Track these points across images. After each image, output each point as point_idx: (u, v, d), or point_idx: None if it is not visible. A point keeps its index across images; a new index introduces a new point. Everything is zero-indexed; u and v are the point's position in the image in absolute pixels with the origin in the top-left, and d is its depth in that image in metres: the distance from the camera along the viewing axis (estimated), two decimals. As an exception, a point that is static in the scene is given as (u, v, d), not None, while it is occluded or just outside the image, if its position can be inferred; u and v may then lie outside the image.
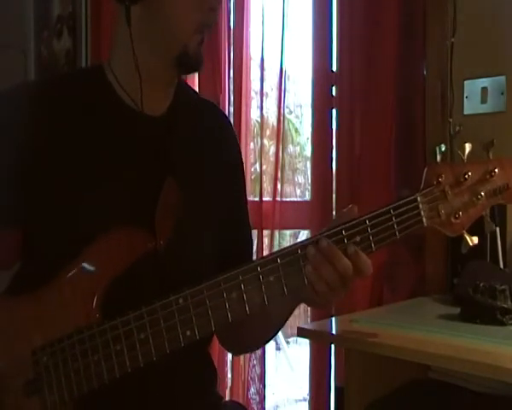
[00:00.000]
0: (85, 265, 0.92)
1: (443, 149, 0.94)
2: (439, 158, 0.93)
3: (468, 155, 0.91)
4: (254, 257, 1.30)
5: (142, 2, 0.97)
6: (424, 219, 0.91)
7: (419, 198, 0.91)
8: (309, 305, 0.99)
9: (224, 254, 1.06)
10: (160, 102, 1.05)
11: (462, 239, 0.92)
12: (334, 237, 0.89)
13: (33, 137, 0.97)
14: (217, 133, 1.14)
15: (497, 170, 0.90)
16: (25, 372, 0.90)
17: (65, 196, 0.97)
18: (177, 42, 0.99)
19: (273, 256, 0.89)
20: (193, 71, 1.07)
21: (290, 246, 0.90)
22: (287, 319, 1.07)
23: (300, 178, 3.36)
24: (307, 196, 2.41)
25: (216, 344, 2.22)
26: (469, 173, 0.90)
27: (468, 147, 0.92)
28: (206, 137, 1.11)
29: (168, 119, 1.05)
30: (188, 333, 0.88)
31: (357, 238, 0.89)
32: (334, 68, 2.11)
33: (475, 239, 0.92)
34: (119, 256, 0.92)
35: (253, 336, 1.15)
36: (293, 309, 1.03)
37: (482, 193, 0.90)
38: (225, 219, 1.10)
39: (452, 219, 0.91)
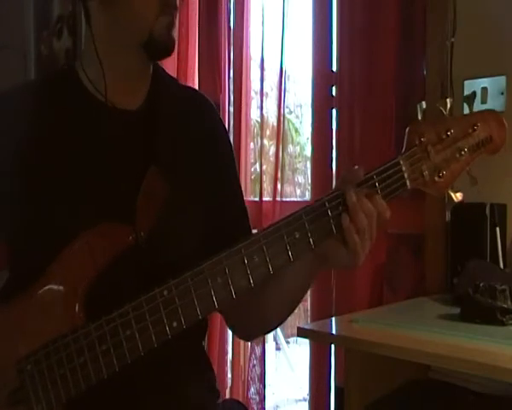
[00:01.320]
0: (64, 266, 0.91)
1: (424, 106, 0.92)
2: (420, 116, 0.92)
3: (449, 111, 0.90)
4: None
5: None
6: (408, 182, 0.90)
7: (401, 161, 0.90)
8: (332, 265, 0.97)
9: (219, 239, 1.03)
10: (134, 95, 1.04)
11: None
12: (319, 209, 0.89)
13: (12, 140, 0.97)
14: (200, 119, 1.12)
15: (479, 124, 0.89)
16: (9, 383, 0.89)
17: (43, 196, 0.96)
18: (142, 27, 0.97)
19: (256, 237, 0.88)
20: (162, 56, 1.04)
21: (273, 224, 0.89)
22: (308, 287, 1.05)
23: (300, 178, 3.36)
24: (307, 196, 2.41)
25: (216, 344, 2.22)
26: (452, 130, 0.89)
27: (449, 102, 0.91)
28: (189, 124, 1.09)
29: (146, 111, 1.04)
30: (174, 324, 0.87)
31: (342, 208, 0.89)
32: (334, 68, 2.11)
33: (460, 195, 0.91)
34: (98, 254, 0.90)
35: (267, 314, 1.10)
36: (315, 274, 1.01)
37: (465, 148, 0.89)
38: (216, 202, 1.08)
39: (436, 178, 0.90)
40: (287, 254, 0.88)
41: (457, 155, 0.89)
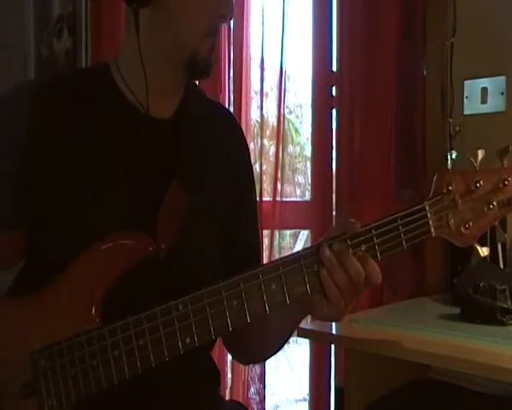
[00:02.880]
0: (84, 267, 0.91)
1: (454, 155, 0.91)
2: (449, 165, 0.91)
3: (480, 163, 0.89)
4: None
5: (152, 5, 0.96)
6: (432, 229, 0.89)
7: (427, 207, 0.88)
8: (317, 317, 0.95)
9: (230, 261, 1.04)
10: (167, 104, 1.04)
11: (474, 251, 0.90)
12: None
13: (37, 137, 0.96)
14: (226, 137, 1.12)
15: (510, 179, 0.87)
16: (22, 375, 0.89)
17: (67, 197, 0.96)
18: (187, 47, 0.98)
19: (275, 264, 0.88)
20: (201, 77, 1.06)
21: (293, 254, 0.88)
22: (292, 332, 1.06)
23: (300, 178, 3.36)
24: (307, 196, 2.41)
25: (216, 344, 2.22)
26: (481, 182, 0.87)
27: (480, 154, 0.89)
28: (215, 141, 1.09)
29: (176, 121, 1.04)
30: (187, 341, 0.87)
31: (363, 247, 0.87)
32: (334, 68, 2.11)
33: (486, 250, 0.90)
34: (118, 260, 0.91)
35: (258, 348, 1.13)
36: (299, 321, 1.02)
37: (494, 202, 0.87)
38: (233, 224, 1.08)
39: (462, 230, 0.88)
40: (304, 285, 0.87)
41: (485, 209, 0.87)
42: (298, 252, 0.89)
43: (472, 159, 0.90)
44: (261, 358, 1.20)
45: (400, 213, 0.88)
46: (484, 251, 0.90)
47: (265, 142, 2.46)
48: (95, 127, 0.99)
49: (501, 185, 0.87)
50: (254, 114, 2.36)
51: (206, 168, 1.06)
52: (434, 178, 0.90)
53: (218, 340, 1.18)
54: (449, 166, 0.90)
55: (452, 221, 0.88)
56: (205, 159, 1.06)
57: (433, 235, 0.89)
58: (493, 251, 1.68)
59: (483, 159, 0.89)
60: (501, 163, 0.89)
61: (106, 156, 0.98)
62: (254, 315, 0.87)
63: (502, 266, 1.68)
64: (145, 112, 1.00)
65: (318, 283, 0.88)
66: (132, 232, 0.92)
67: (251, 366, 2.21)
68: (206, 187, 1.05)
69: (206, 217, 1.04)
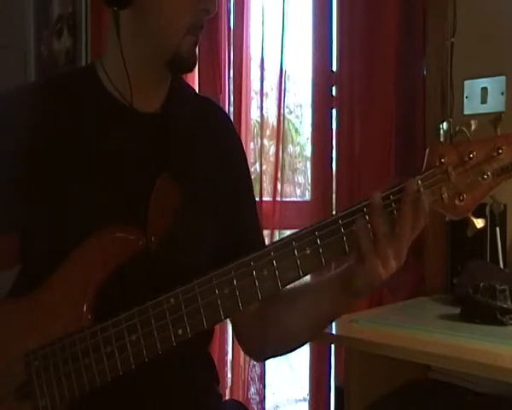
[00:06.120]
0: (75, 266, 0.91)
1: (445, 127, 0.89)
2: (441, 137, 0.88)
3: (473, 133, 0.85)
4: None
5: (132, 5, 0.95)
6: None
7: (419, 181, 0.86)
8: (358, 289, 0.93)
9: (231, 252, 1.03)
10: (153, 99, 1.04)
11: (466, 227, 0.87)
12: (332, 225, 0.88)
13: (28, 138, 0.97)
14: (215, 129, 1.12)
15: (504, 147, 0.84)
16: (17, 376, 0.89)
17: (58, 196, 0.96)
18: (169, 45, 0.98)
19: (266, 250, 0.87)
20: (185, 72, 1.06)
21: (284, 238, 0.88)
22: (331, 318, 1.07)
23: (300, 178, 3.35)
24: (307, 196, 2.41)
25: (216, 344, 2.23)
26: (474, 152, 0.84)
27: (473, 124, 0.85)
28: (204, 134, 1.09)
29: (162, 115, 1.04)
30: (179, 332, 0.86)
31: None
32: (334, 68, 2.11)
33: (481, 222, 0.86)
34: (109, 255, 0.91)
35: (283, 346, 1.09)
36: (340, 308, 1.01)
37: (488, 172, 0.84)
38: (229, 217, 1.08)
39: (456, 202, 0.85)
40: (297, 269, 0.87)
41: (480, 179, 0.85)
42: (289, 235, 0.87)
43: (465, 129, 0.86)
44: (286, 352, 1.15)
45: (392, 190, 0.87)
46: (479, 222, 0.86)
47: (265, 142, 2.47)
48: (82, 126, 1.00)
49: (495, 154, 0.85)
50: (254, 114, 2.36)
51: (197, 160, 1.06)
52: (427, 152, 0.87)
53: (217, 339, 1.18)
54: (441, 139, 0.87)
55: (446, 194, 0.86)
56: (194, 151, 1.06)
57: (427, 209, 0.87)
58: (493, 251, 1.68)
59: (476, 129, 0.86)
60: (494, 131, 0.86)
61: (94, 153, 0.99)
62: (247, 303, 0.87)
63: (502, 266, 1.67)
64: (130, 107, 1.01)
65: (311, 266, 0.87)
66: (122, 226, 0.92)
67: (251, 366, 2.21)
68: (198, 179, 1.05)
69: (198, 209, 1.04)
